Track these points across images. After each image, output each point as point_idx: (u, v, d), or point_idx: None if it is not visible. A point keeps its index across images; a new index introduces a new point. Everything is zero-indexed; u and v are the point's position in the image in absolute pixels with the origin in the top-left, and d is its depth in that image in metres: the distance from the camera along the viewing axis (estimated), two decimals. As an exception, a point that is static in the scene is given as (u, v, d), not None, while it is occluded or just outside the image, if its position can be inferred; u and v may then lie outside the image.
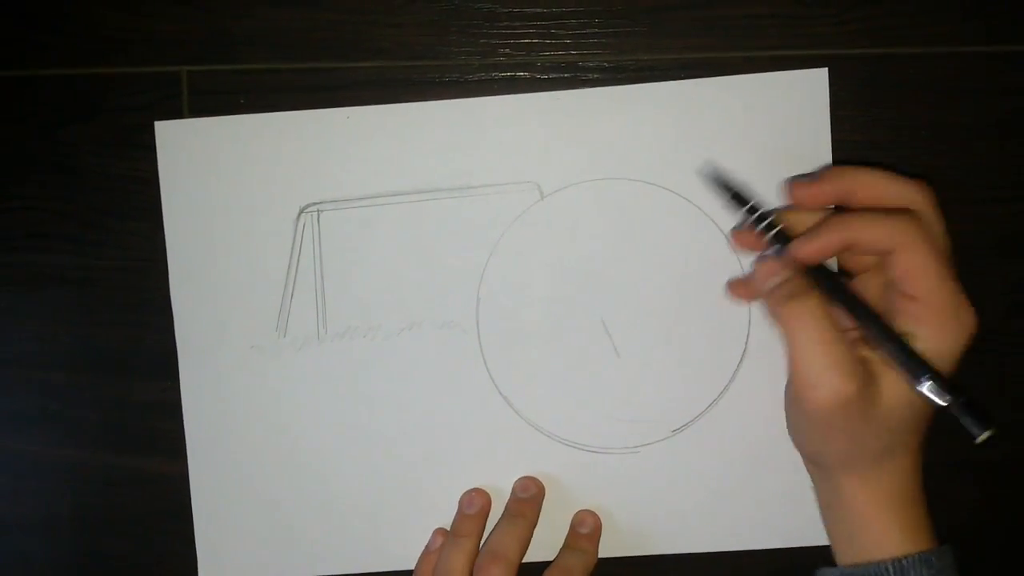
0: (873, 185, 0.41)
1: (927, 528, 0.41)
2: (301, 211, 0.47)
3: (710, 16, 0.47)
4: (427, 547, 0.47)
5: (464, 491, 0.47)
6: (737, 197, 0.44)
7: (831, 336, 0.39)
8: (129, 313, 0.48)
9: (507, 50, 0.47)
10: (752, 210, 0.43)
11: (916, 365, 0.38)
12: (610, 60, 0.47)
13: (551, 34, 0.47)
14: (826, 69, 0.47)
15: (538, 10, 0.47)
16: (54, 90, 0.48)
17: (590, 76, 0.47)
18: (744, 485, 0.48)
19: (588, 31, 0.47)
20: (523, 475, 0.48)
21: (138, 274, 0.48)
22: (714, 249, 0.47)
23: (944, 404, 0.38)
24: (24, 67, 0.47)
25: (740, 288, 0.46)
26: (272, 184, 0.47)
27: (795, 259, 0.40)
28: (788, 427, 0.44)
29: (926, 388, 0.38)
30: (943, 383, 0.38)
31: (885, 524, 0.41)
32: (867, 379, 0.39)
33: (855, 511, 0.41)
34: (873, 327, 0.39)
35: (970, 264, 0.48)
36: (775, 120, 0.47)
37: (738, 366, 0.47)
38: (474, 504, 0.47)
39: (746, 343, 0.47)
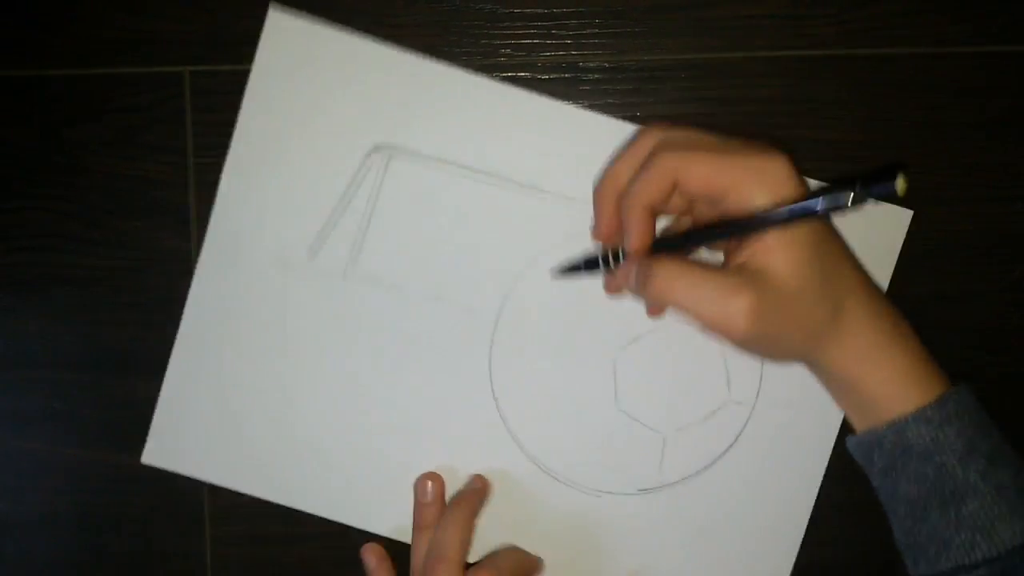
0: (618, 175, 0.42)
1: (924, 377, 0.41)
2: (375, 148, 0.47)
3: (710, 16, 0.47)
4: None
5: (417, 478, 0.48)
6: (586, 265, 0.45)
7: (700, 274, 0.39)
8: (132, 312, 0.48)
9: (508, 50, 0.47)
10: (591, 263, 0.45)
11: (797, 211, 0.37)
12: (610, 60, 0.47)
13: (551, 35, 0.47)
14: (911, 212, 0.47)
15: (539, 11, 0.47)
16: (58, 90, 0.48)
17: (590, 76, 0.47)
18: (712, 556, 0.48)
19: (588, 32, 0.47)
20: (477, 471, 0.48)
21: (141, 273, 0.48)
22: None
23: (852, 201, 0.36)
24: (28, 67, 0.48)
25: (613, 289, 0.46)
26: (357, 112, 0.47)
27: (629, 252, 0.42)
28: (759, 359, 0.44)
29: (823, 206, 0.36)
30: (834, 193, 0.36)
31: (872, 385, 0.41)
32: (754, 279, 0.38)
33: (844, 381, 0.41)
34: (731, 228, 0.39)
35: (970, 264, 0.48)
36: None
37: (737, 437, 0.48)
38: (428, 492, 0.47)
39: (751, 413, 0.48)
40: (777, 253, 0.38)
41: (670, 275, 0.39)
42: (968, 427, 0.40)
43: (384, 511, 0.48)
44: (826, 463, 0.48)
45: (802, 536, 0.48)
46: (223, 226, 0.47)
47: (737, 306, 0.38)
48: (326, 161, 0.47)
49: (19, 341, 0.49)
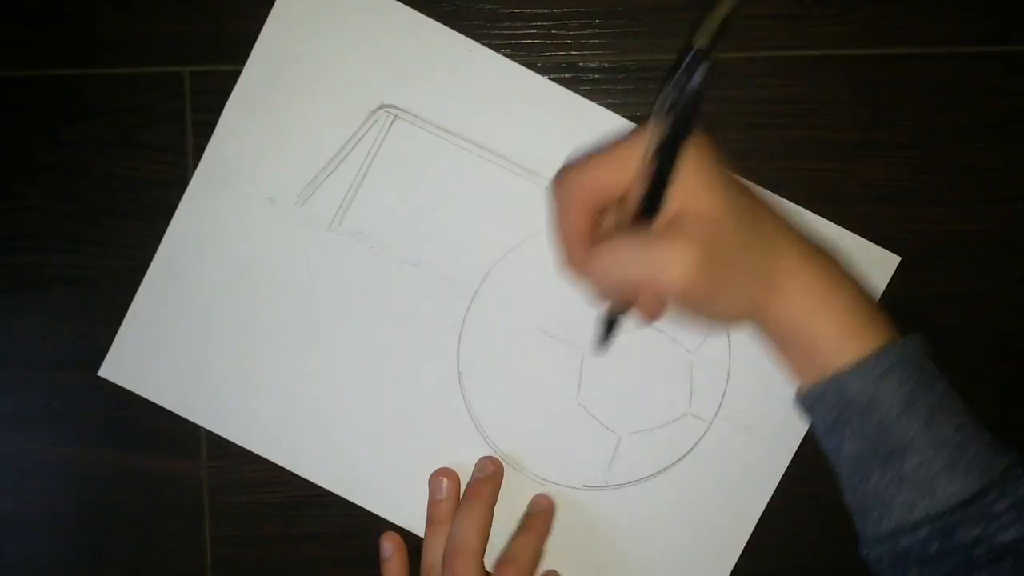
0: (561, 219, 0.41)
1: (866, 326, 0.40)
2: (381, 106, 0.47)
3: (710, 16, 0.47)
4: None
5: (431, 474, 0.48)
6: (607, 325, 0.45)
7: (630, 235, 0.38)
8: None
9: (508, 51, 0.47)
10: (608, 324, 0.45)
11: (671, 109, 0.37)
12: (610, 60, 0.47)
13: (552, 35, 0.47)
14: (899, 259, 0.47)
15: (539, 11, 0.47)
16: (56, 90, 0.48)
17: (590, 76, 0.47)
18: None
19: (588, 32, 0.47)
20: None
21: (139, 273, 0.48)
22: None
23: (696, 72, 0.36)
24: (27, 67, 0.48)
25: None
26: (371, 68, 0.47)
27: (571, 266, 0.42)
28: (702, 327, 0.43)
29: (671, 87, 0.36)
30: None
31: (813, 335, 0.40)
32: (683, 228, 0.38)
33: (786, 333, 0.41)
34: (650, 195, 0.38)
35: (971, 264, 0.48)
36: None
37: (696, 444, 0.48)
38: (442, 489, 0.47)
39: (707, 430, 0.48)
40: (695, 199, 0.38)
41: (601, 252, 0.39)
42: (909, 379, 0.39)
43: (327, 461, 0.48)
44: (772, 491, 0.48)
45: (736, 559, 0.48)
46: (219, 153, 0.47)
47: (670, 253, 0.37)
48: (332, 110, 0.47)
49: (17, 341, 0.49)
